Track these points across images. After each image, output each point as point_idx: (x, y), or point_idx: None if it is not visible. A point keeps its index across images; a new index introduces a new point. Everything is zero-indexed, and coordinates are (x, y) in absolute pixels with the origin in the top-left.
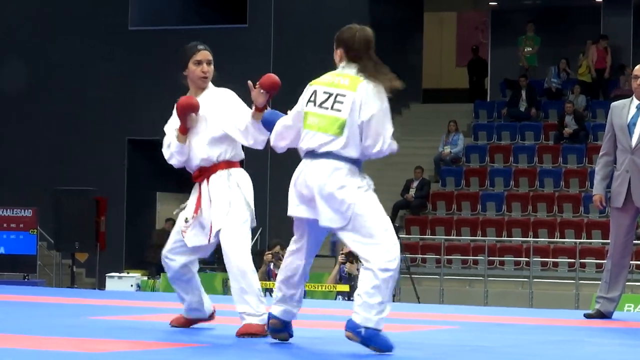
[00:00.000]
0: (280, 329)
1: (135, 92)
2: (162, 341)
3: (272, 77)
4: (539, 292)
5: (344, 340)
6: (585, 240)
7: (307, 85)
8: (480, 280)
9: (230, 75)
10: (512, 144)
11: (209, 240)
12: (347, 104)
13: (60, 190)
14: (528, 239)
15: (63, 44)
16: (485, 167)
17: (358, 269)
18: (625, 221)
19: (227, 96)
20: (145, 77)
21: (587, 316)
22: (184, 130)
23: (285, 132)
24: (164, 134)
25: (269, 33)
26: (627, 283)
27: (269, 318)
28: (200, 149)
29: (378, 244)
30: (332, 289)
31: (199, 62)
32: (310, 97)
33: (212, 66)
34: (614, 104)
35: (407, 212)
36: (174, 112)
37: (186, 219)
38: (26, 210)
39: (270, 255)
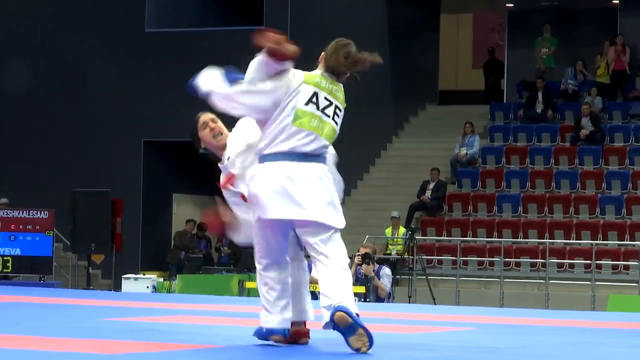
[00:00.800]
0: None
1: (151, 94)
2: (177, 343)
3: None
4: (555, 293)
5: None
6: (601, 242)
7: (301, 82)
8: (496, 282)
9: None
10: (528, 145)
11: None
12: (341, 119)
13: (77, 192)
14: (544, 240)
15: (81, 46)
16: (501, 169)
17: (374, 271)
18: None
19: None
20: (162, 79)
21: None
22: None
23: (254, 97)
24: (179, 135)
25: (285, 34)
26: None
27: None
28: None
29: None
30: None
31: (205, 125)
32: (312, 98)
33: (218, 122)
34: None
35: (423, 213)
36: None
37: None
38: (42, 212)
39: None
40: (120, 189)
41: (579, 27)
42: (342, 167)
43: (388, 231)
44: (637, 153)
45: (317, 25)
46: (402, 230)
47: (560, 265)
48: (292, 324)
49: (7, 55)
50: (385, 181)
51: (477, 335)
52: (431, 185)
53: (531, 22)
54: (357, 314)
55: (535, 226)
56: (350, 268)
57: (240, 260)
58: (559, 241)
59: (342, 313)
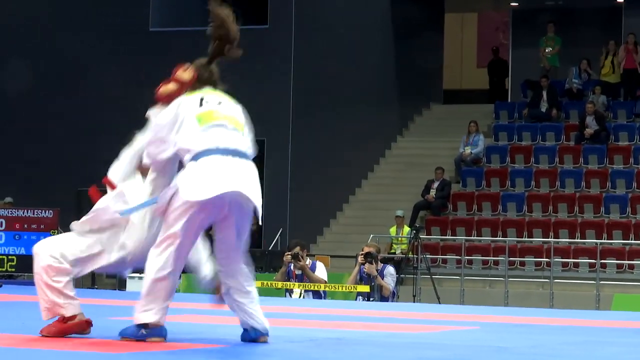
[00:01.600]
0: None
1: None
2: (182, 342)
3: None
4: (560, 292)
5: (366, 341)
6: (606, 241)
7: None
8: (500, 281)
9: (250, 76)
10: (532, 144)
11: None
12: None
13: (82, 191)
14: (549, 239)
15: (85, 45)
16: (506, 168)
17: (378, 270)
18: None
19: None
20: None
21: None
22: None
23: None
24: None
25: (289, 34)
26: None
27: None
28: None
29: None
30: (352, 290)
31: None
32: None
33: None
34: None
35: (427, 212)
36: None
37: None
38: (47, 211)
39: (289, 256)
40: None
41: (583, 26)
42: (347, 165)
43: (392, 230)
44: None
45: (321, 25)
46: (406, 229)
47: (564, 265)
48: None
49: (7, 56)
50: (389, 180)
51: (482, 334)
52: (436, 185)
53: (536, 21)
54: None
55: (539, 225)
56: (354, 267)
57: None
58: (564, 240)
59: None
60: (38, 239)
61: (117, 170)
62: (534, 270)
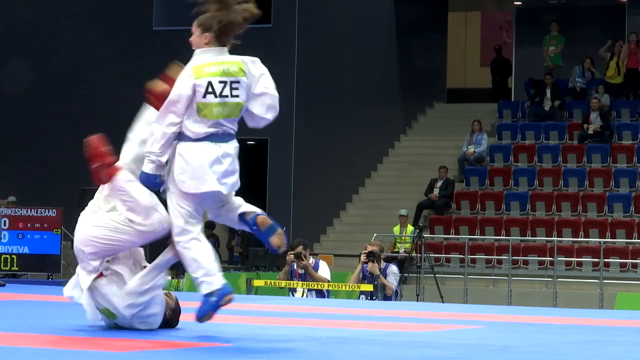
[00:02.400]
0: None
1: None
2: (186, 340)
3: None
4: (563, 291)
5: (370, 340)
6: (609, 240)
7: (192, 82)
8: (504, 280)
9: None
10: (536, 143)
11: None
12: (243, 86)
13: (86, 190)
14: (552, 238)
15: (88, 44)
16: (509, 167)
17: (380, 269)
18: None
19: None
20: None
21: None
22: None
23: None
24: None
25: (293, 33)
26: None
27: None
28: None
29: None
30: (355, 289)
31: None
32: (207, 89)
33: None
34: None
35: (431, 211)
36: None
37: None
38: (51, 210)
39: (292, 255)
40: None
41: (586, 24)
42: (351, 165)
43: (396, 229)
44: None
45: (324, 24)
46: (410, 228)
47: (568, 264)
48: None
49: (12, 55)
50: (393, 179)
51: (485, 333)
52: (439, 184)
53: (539, 20)
54: None
55: (543, 224)
56: (357, 265)
57: (248, 259)
58: (567, 239)
59: (263, 217)
60: (41, 238)
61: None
62: (538, 269)
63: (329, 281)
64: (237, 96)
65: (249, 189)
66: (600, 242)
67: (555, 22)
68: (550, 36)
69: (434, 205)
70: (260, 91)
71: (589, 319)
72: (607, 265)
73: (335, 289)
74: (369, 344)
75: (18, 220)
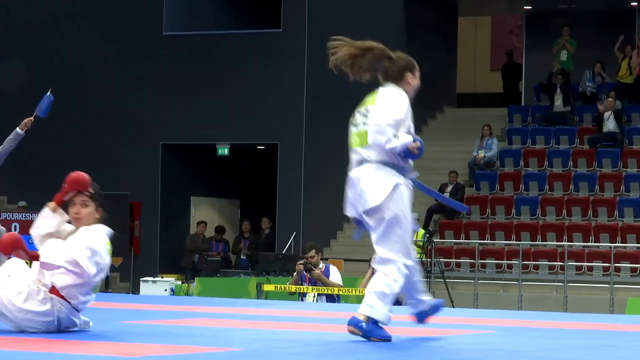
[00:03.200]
0: None
1: (169, 96)
2: (196, 345)
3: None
4: (574, 296)
5: (380, 345)
6: (619, 245)
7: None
8: (514, 285)
9: (264, 80)
10: (546, 148)
11: None
12: (372, 114)
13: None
14: (562, 243)
15: (98, 48)
16: (519, 171)
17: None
18: None
19: None
20: (179, 82)
21: None
22: None
23: None
24: (197, 138)
25: (303, 37)
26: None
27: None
28: None
29: None
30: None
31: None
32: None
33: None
34: None
35: (441, 216)
36: None
37: None
38: None
39: (301, 266)
40: (138, 192)
41: (597, 29)
42: None
43: None
44: None
45: (334, 27)
46: (420, 233)
47: (578, 268)
48: None
49: (18, 59)
50: None
51: (496, 338)
52: (449, 188)
53: (549, 24)
54: (368, 318)
55: (553, 229)
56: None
57: (258, 263)
58: (578, 244)
59: (350, 327)
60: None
61: None
62: (548, 274)
63: (342, 286)
64: (364, 123)
65: (259, 193)
66: (610, 247)
67: (567, 26)
68: (561, 40)
69: (444, 210)
70: None
71: (599, 324)
72: (617, 270)
73: (346, 293)
74: (379, 349)
75: (29, 225)
